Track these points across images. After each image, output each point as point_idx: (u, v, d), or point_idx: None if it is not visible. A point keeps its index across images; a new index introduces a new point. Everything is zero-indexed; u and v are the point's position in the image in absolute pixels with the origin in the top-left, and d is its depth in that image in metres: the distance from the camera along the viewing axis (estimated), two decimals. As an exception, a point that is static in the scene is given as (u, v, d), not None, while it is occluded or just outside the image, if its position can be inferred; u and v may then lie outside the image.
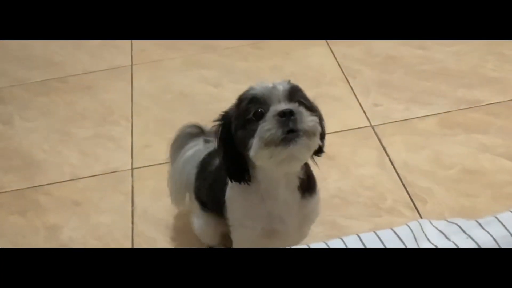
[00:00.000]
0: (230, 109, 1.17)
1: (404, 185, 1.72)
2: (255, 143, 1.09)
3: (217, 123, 1.19)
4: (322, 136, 1.17)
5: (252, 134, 1.09)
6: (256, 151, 1.09)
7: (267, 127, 1.07)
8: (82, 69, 2.42)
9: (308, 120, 1.08)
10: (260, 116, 1.09)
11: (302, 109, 1.09)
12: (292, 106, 1.09)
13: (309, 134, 1.09)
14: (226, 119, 1.17)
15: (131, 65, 2.41)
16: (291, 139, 1.06)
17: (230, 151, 1.16)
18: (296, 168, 1.19)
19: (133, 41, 2.55)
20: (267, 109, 1.09)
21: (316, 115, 1.12)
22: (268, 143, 1.07)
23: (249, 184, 1.19)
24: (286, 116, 1.06)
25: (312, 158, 1.21)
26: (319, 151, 1.20)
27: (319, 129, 1.11)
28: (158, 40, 2.53)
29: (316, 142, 1.12)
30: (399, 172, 1.76)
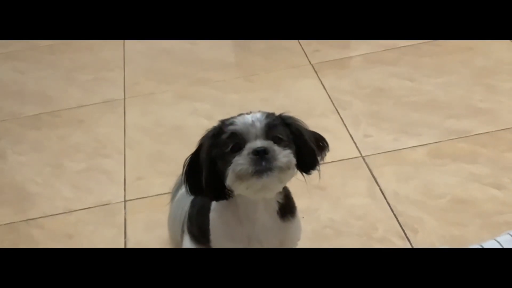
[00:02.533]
0: (213, 130, 1.23)
1: (395, 215, 1.73)
2: (229, 174, 1.17)
3: (200, 141, 1.25)
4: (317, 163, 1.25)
5: (228, 165, 1.17)
6: (231, 182, 1.17)
7: (240, 161, 1.15)
8: (75, 103, 2.44)
9: (281, 157, 1.16)
10: (237, 150, 1.17)
11: (276, 147, 1.16)
12: (267, 143, 1.16)
13: (282, 168, 1.16)
14: (208, 140, 1.23)
15: (124, 98, 2.44)
16: (263, 171, 1.14)
17: (210, 172, 1.21)
18: (272, 195, 1.26)
19: (126, 74, 2.58)
20: (244, 145, 1.17)
21: (291, 149, 1.19)
22: (240, 177, 1.15)
23: (227, 199, 1.24)
24: (260, 154, 1.14)
25: (303, 175, 1.27)
26: (310, 169, 1.26)
27: (293, 162, 1.19)
28: (150, 74, 2.56)
29: (290, 174, 1.20)
30: (389, 202, 1.78)
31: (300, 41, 2.62)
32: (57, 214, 1.91)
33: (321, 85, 2.33)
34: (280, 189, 1.26)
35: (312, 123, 1.31)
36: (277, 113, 1.25)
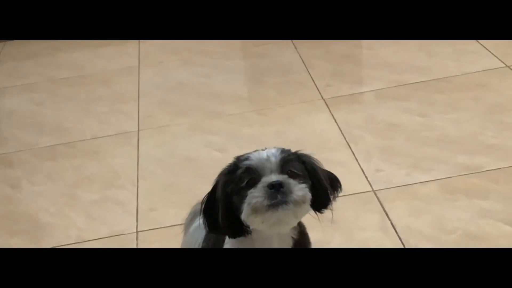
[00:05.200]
0: (228, 167, 1.24)
1: (406, 250, 1.73)
2: (245, 208, 1.17)
3: (216, 179, 1.25)
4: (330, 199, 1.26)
5: (243, 199, 1.18)
6: (246, 216, 1.18)
7: (255, 194, 1.16)
8: (91, 135, 2.47)
9: (296, 190, 1.17)
10: (252, 184, 1.18)
11: (291, 181, 1.17)
12: (282, 177, 1.17)
13: (298, 202, 1.17)
14: (224, 177, 1.23)
15: (138, 130, 2.47)
16: (278, 204, 1.15)
17: (227, 208, 1.22)
18: (287, 230, 1.25)
19: (140, 106, 2.62)
20: (260, 179, 1.18)
21: (307, 184, 1.20)
22: (256, 210, 1.16)
23: (246, 236, 1.24)
24: (275, 187, 1.15)
25: (316, 214, 1.27)
26: (322, 207, 1.26)
27: (309, 196, 1.19)
28: (165, 106, 2.60)
29: (305, 209, 1.20)
30: (401, 236, 1.78)
31: (312, 76, 2.65)
32: (70, 244, 1.93)
33: (333, 120, 2.35)
34: (295, 224, 1.25)
35: (324, 157, 1.32)
36: (290, 147, 1.27)
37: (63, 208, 2.09)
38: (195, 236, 1.58)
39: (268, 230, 1.22)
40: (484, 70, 2.51)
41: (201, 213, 1.27)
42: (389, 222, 1.83)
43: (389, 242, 1.76)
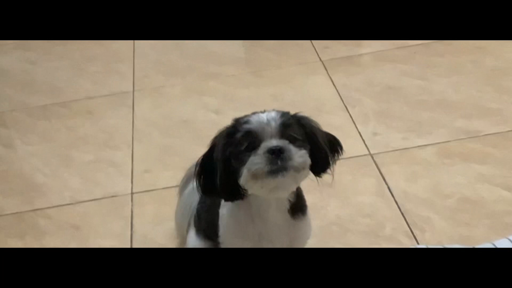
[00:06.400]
0: (227, 129, 1.22)
1: (402, 214, 1.73)
2: (244, 173, 1.16)
3: (213, 141, 1.24)
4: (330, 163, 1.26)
5: (243, 164, 1.16)
6: (245, 181, 1.17)
7: (256, 161, 1.14)
8: (84, 95, 2.44)
9: (296, 157, 1.15)
10: (252, 149, 1.16)
11: (291, 146, 1.16)
12: (282, 143, 1.16)
13: (298, 168, 1.16)
14: (223, 140, 1.21)
15: (133, 91, 2.43)
16: (278, 171, 1.14)
17: (225, 170, 1.20)
18: (285, 195, 1.25)
19: (135, 67, 2.58)
20: (259, 143, 1.16)
21: (306, 149, 1.18)
22: (255, 176, 1.15)
23: (242, 199, 1.24)
24: (275, 153, 1.14)
25: (316, 178, 1.26)
26: (321, 171, 1.25)
27: (308, 163, 1.18)
28: (160, 67, 2.56)
29: (305, 174, 1.20)
30: (397, 200, 1.77)
31: (310, 37, 2.61)
32: (64, 205, 1.92)
33: (331, 82, 2.32)
34: (294, 189, 1.25)
35: (321, 120, 1.30)
36: (289, 110, 1.25)
37: (57, 168, 2.07)
38: (190, 199, 1.57)
39: (267, 196, 1.21)
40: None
41: (195, 176, 1.25)
42: (385, 186, 1.82)
43: (386, 206, 1.76)
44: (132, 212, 1.86)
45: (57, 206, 1.92)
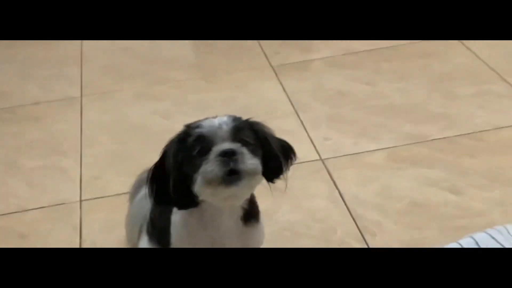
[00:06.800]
0: (179, 135, 1.21)
1: (353, 218, 1.74)
2: (198, 180, 1.15)
3: (164, 148, 1.22)
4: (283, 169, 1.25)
5: (196, 170, 1.15)
6: (199, 188, 1.16)
7: (209, 168, 1.13)
8: (31, 100, 2.39)
9: (248, 162, 1.15)
10: (204, 153, 1.15)
11: (244, 150, 1.15)
12: (235, 146, 1.15)
13: (250, 174, 1.15)
14: (175, 145, 1.20)
15: (81, 96, 2.39)
16: (232, 180, 1.14)
17: (178, 178, 1.19)
18: (240, 203, 1.25)
19: (83, 71, 2.54)
20: (211, 147, 1.15)
21: (258, 154, 1.18)
22: (210, 182, 1.14)
23: (196, 207, 1.22)
24: (227, 155, 1.13)
25: (269, 184, 1.26)
26: (274, 177, 1.25)
27: (260, 168, 1.18)
28: (109, 71, 2.52)
29: (258, 180, 1.20)
30: (348, 205, 1.79)
31: (260, 42, 2.62)
32: (10, 213, 1.87)
33: (281, 87, 2.33)
34: (248, 196, 1.25)
35: (273, 125, 1.30)
36: (241, 115, 1.24)
37: (3, 175, 2.01)
38: (141, 205, 1.55)
39: (221, 204, 1.21)
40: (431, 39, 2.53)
41: (147, 183, 1.24)
42: (337, 191, 1.84)
43: (337, 211, 1.77)
44: (81, 219, 1.82)
45: (3, 214, 1.86)
